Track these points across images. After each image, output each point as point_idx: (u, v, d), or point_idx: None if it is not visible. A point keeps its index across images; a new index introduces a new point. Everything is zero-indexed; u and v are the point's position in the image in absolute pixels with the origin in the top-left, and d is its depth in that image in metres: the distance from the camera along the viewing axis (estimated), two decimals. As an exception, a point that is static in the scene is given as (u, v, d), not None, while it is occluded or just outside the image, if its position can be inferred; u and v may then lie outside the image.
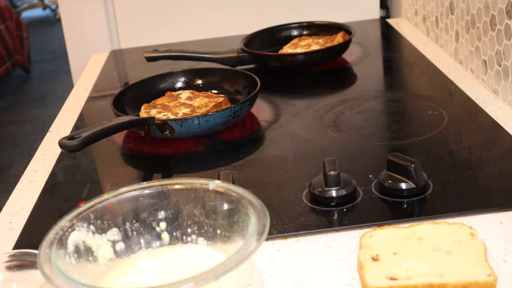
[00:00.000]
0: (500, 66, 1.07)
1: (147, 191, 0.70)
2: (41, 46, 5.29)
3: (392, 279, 0.64)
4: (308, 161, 0.93)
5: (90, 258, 0.66)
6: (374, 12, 1.69)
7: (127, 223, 0.69)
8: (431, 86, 1.19)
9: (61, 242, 0.63)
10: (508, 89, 1.05)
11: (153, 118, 1.02)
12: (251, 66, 1.36)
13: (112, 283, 0.64)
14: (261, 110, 1.15)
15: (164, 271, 0.67)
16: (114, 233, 0.68)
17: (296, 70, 1.32)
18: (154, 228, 0.70)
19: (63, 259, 0.62)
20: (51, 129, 1.18)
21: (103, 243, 0.67)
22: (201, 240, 0.69)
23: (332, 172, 0.80)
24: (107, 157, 1.04)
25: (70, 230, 0.65)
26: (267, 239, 0.75)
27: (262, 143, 1.03)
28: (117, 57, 1.62)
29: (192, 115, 1.07)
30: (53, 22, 6.14)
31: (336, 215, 0.78)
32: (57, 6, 5.58)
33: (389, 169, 0.82)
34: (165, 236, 0.70)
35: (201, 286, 0.54)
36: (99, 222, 0.68)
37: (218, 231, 0.68)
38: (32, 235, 0.82)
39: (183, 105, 1.11)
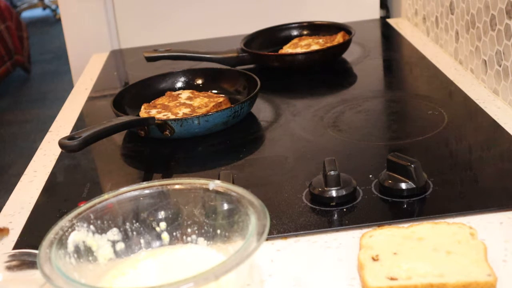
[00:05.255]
0: (500, 66, 1.07)
1: (147, 191, 0.70)
2: (41, 46, 5.29)
3: (392, 279, 0.64)
4: (308, 161, 0.93)
5: (90, 258, 0.66)
6: (374, 12, 1.69)
7: (127, 223, 0.69)
8: (431, 86, 1.19)
9: (61, 242, 0.63)
10: (508, 89, 1.05)
11: (153, 118, 1.02)
12: (251, 66, 1.36)
13: (112, 283, 0.64)
14: (261, 110, 1.15)
15: (164, 271, 0.67)
16: (114, 233, 0.68)
17: (296, 70, 1.32)
18: (154, 228, 0.70)
19: (63, 259, 0.62)
20: (51, 129, 1.18)
21: (103, 243, 0.67)
22: (201, 240, 0.69)
23: (332, 172, 0.80)
24: (107, 157, 1.04)
25: (70, 230, 0.65)
26: (267, 239, 0.75)
27: (262, 143, 1.03)
28: (117, 57, 1.62)
29: (192, 115, 1.07)
30: (53, 22, 6.14)
31: (336, 215, 0.78)
32: (57, 6, 5.57)
33: (389, 169, 0.82)
34: (165, 236, 0.70)
35: (201, 286, 0.54)
36: (99, 222, 0.68)
37: (218, 231, 0.68)
38: (32, 235, 0.82)
39: (183, 105, 1.11)
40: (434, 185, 0.82)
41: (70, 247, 0.64)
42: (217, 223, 0.68)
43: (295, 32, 1.48)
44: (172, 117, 1.07)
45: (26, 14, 6.38)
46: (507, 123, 0.98)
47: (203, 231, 0.69)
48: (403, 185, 0.80)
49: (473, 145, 0.94)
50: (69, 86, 1.73)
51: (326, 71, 1.33)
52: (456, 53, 1.29)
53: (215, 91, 1.21)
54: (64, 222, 0.65)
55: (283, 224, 0.78)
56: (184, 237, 0.70)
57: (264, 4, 1.66)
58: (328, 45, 1.34)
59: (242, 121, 1.09)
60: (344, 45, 1.34)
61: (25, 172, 1.01)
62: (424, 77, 1.24)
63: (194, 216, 0.70)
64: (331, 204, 0.80)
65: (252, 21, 1.60)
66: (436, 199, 0.79)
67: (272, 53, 1.36)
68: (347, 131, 1.02)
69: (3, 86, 4.33)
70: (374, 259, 0.67)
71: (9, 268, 0.71)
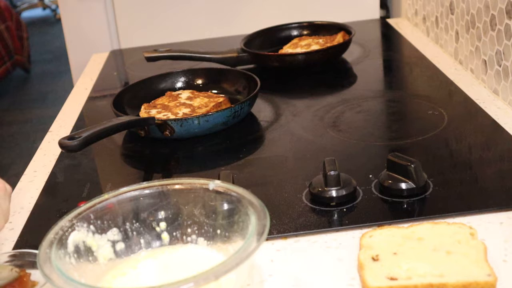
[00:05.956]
0: (500, 66, 1.07)
1: (147, 191, 0.70)
2: (41, 46, 5.30)
3: (392, 279, 0.64)
4: (308, 161, 0.93)
5: (90, 258, 0.66)
6: (374, 12, 1.69)
7: (127, 223, 0.69)
8: (431, 86, 1.19)
9: (61, 242, 0.63)
10: (508, 89, 1.05)
11: (153, 118, 1.02)
12: (251, 66, 1.36)
13: (112, 283, 0.64)
14: (261, 110, 1.15)
15: (164, 271, 0.67)
16: (114, 233, 0.68)
17: (296, 70, 1.32)
18: (154, 228, 0.70)
19: (63, 259, 0.62)
20: (51, 129, 1.18)
21: (103, 243, 0.67)
22: (201, 240, 0.69)
23: (332, 172, 0.80)
24: (107, 157, 1.04)
25: (70, 230, 0.65)
26: (267, 239, 0.75)
27: (262, 143, 1.03)
28: (117, 57, 1.62)
29: (192, 115, 1.07)
30: (53, 22, 6.14)
31: (336, 215, 0.78)
32: (57, 6, 5.58)
33: (389, 169, 0.82)
34: (165, 236, 0.70)
35: (201, 286, 0.54)
36: (99, 222, 0.68)
37: (218, 231, 0.68)
38: (32, 235, 0.82)
39: (183, 105, 1.11)
40: (434, 185, 0.82)
41: (70, 247, 0.64)
42: (217, 223, 0.68)
43: (295, 32, 1.48)
44: (172, 117, 1.07)
45: (26, 14, 6.39)
46: (507, 123, 0.98)
47: (203, 231, 0.69)
48: (403, 185, 0.80)
49: (473, 145, 0.94)
50: (69, 86, 1.73)
51: (326, 71, 1.33)
52: (456, 53, 1.29)
53: (215, 91, 1.21)
54: (64, 222, 0.65)
55: (283, 224, 0.78)
56: (184, 237, 0.70)
57: (264, 4, 1.66)
58: (328, 45, 1.34)
59: (242, 121, 1.09)
60: (344, 45, 1.34)
61: (25, 172, 1.01)
62: (424, 77, 1.24)
63: (194, 216, 0.70)
64: (331, 204, 0.80)
65: (252, 21, 1.61)
66: (436, 199, 0.79)
67: (272, 53, 1.36)
68: (347, 131, 1.02)
69: (3, 86, 4.33)
70: (374, 259, 0.67)
71: (9, 268, 0.71)
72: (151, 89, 1.22)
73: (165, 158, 1.02)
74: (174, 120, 1.01)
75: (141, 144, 1.05)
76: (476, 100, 1.08)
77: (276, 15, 1.62)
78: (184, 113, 1.08)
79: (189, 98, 1.14)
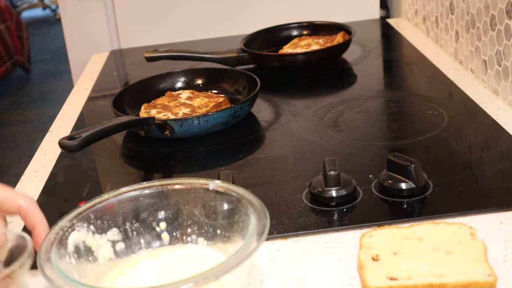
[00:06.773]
0: (500, 66, 1.07)
1: (147, 191, 0.70)
2: (41, 46, 5.30)
3: (392, 279, 0.64)
4: (308, 161, 0.93)
5: (90, 258, 0.66)
6: (374, 12, 1.69)
7: (127, 223, 0.69)
8: (431, 86, 1.19)
9: (61, 242, 0.63)
10: (508, 89, 1.05)
11: (153, 118, 1.02)
12: (251, 66, 1.36)
13: (112, 283, 0.64)
14: (261, 110, 1.15)
15: (164, 271, 0.67)
16: (114, 233, 0.69)
17: (296, 70, 1.32)
18: (154, 228, 0.70)
19: (63, 259, 0.62)
20: (51, 129, 1.18)
21: (103, 243, 0.68)
22: (201, 240, 0.69)
23: (332, 172, 0.80)
24: (107, 157, 1.04)
25: (70, 230, 0.65)
26: (267, 239, 0.75)
27: (262, 143, 1.03)
28: (117, 57, 1.62)
29: (192, 115, 1.07)
30: (53, 22, 6.14)
31: (336, 215, 0.78)
32: (57, 6, 5.58)
33: (389, 169, 0.82)
34: (165, 236, 0.70)
35: (201, 286, 0.54)
36: (99, 222, 0.68)
37: (218, 231, 0.68)
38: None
39: (183, 105, 1.11)
40: (434, 185, 0.82)
41: (70, 247, 0.64)
42: (217, 223, 0.69)
43: (295, 32, 1.48)
44: (172, 117, 1.07)
45: (26, 14, 6.38)
46: (507, 123, 0.98)
47: (203, 231, 0.69)
48: (403, 185, 0.80)
49: (473, 145, 0.94)
50: (69, 86, 1.73)
51: (326, 71, 1.33)
52: (456, 53, 1.29)
53: (215, 91, 1.21)
54: (64, 222, 0.65)
55: (283, 224, 0.78)
56: (184, 237, 0.70)
57: (264, 4, 1.66)
58: (328, 45, 1.34)
59: (242, 121, 1.09)
60: (344, 45, 1.34)
61: (25, 172, 1.01)
62: (424, 77, 1.24)
63: (194, 216, 0.70)
64: (331, 204, 0.80)
65: (252, 21, 1.61)
66: (436, 199, 0.79)
67: (272, 53, 1.36)
68: (347, 131, 1.02)
69: (3, 86, 4.33)
70: (374, 259, 0.67)
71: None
72: (151, 89, 1.22)
73: (165, 158, 1.02)
74: (174, 120, 1.01)
75: (141, 144, 1.05)
76: (476, 100, 1.08)
77: (276, 15, 1.62)
78: (184, 113, 1.08)
79: (189, 98, 1.14)
